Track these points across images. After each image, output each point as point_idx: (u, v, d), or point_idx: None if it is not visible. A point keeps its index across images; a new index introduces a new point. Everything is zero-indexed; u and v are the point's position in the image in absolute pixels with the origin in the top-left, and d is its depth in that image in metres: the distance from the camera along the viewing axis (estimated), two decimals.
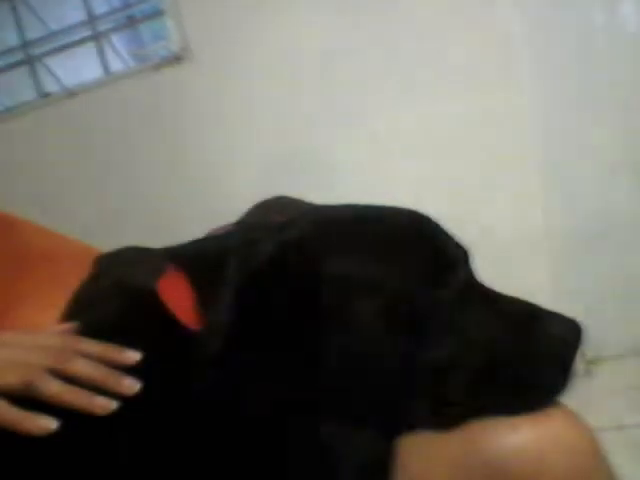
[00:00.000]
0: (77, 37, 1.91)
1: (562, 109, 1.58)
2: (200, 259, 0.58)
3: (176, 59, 1.76)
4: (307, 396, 0.51)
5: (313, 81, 1.70)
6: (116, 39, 1.98)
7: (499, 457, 0.49)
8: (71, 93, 1.87)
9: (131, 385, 0.49)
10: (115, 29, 1.94)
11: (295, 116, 1.73)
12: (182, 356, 0.51)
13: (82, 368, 0.50)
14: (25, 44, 1.93)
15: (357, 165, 1.69)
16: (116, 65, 1.94)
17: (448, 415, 0.51)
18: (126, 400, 0.49)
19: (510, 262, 1.56)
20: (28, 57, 1.93)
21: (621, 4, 1.51)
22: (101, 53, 1.88)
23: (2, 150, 1.90)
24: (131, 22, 1.93)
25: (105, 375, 0.50)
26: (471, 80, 1.58)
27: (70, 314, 0.60)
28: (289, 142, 1.75)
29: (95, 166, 1.90)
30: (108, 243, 0.73)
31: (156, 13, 1.84)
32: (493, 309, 0.53)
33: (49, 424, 0.47)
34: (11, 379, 0.49)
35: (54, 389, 0.49)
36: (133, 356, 0.51)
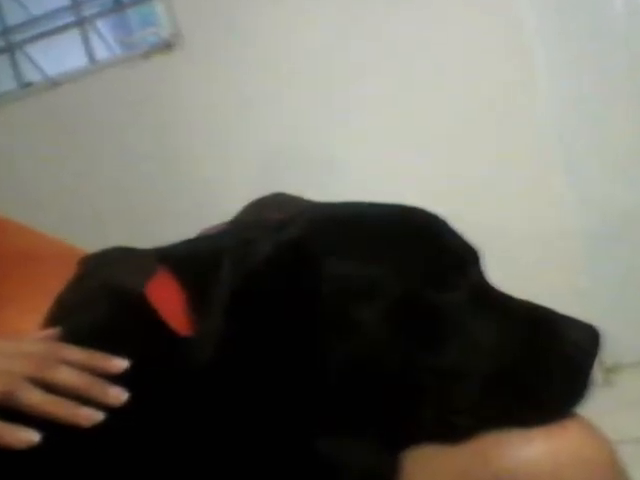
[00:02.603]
0: (60, 23, 1.91)
1: (577, 102, 1.57)
2: (192, 260, 0.58)
3: (166, 46, 1.76)
4: (305, 403, 0.51)
5: (310, 71, 1.70)
6: (102, 25, 1.97)
7: (511, 471, 0.48)
8: (54, 83, 1.87)
9: (118, 395, 0.49)
10: (101, 14, 1.94)
11: (292, 108, 1.73)
12: (172, 363, 0.51)
13: (66, 377, 0.50)
14: (5, 31, 1.93)
15: (356, 161, 1.69)
16: (102, 53, 1.94)
17: (455, 426, 0.51)
18: (113, 410, 0.48)
19: (522, 263, 1.56)
20: (8, 44, 1.92)
21: None
22: (86, 40, 1.88)
23: None
24: (118, 7, 1.93)
25: (90, 384, 0.49)
26: (477, 73, 1.58)
27: (54, 318, 0.60)
28: (285, 136, 1.75)
29: (80, 160, 1.90)
30: (93, 241, 0.73)
31: None
32: (504, 313, 0.53)
33: (30, 436, 0.47)
34: None
35: (36, 399, 0.48)
36: (120, 363, 0.51)
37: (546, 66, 1.55)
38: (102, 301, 0.58)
